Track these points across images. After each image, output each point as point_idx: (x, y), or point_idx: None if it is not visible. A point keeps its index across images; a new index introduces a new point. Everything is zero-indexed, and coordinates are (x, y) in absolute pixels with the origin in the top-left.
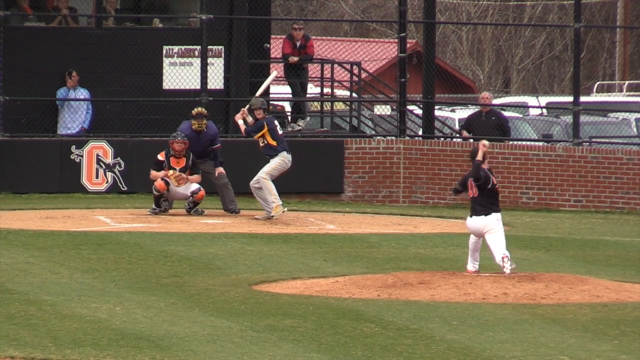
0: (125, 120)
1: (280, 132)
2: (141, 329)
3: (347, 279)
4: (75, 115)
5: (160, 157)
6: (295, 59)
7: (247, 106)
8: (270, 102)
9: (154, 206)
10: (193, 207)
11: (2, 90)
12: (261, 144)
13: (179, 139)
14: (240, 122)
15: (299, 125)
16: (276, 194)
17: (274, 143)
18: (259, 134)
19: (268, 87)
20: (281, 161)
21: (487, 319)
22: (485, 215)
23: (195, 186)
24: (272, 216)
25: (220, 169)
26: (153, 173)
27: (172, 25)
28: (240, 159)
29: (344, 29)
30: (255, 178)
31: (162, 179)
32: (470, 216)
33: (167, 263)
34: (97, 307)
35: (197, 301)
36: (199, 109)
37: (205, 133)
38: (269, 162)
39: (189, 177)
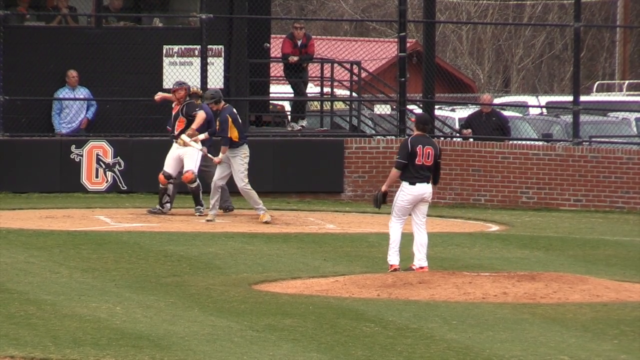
0: (125, 119)
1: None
2: (141, 329)
3: (347, 278)
4: (76, 113)
5: (161, 97)
6: (295, 58)
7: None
8: (271, 101)
9: (157, 206)
10: (194, 199)
11: (2, 89)
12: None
13: (177, 86)
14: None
15: (299, 125)
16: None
17: (236, 136)
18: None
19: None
20: (244, 157)
21: (487, 319)
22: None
23: (186, 166)
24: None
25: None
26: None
27: (172, 25)
28: None
29: (343, 29)
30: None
31: (162, 173)
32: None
33: (167, 262)
34: (96, 306)
35: (197, 301)
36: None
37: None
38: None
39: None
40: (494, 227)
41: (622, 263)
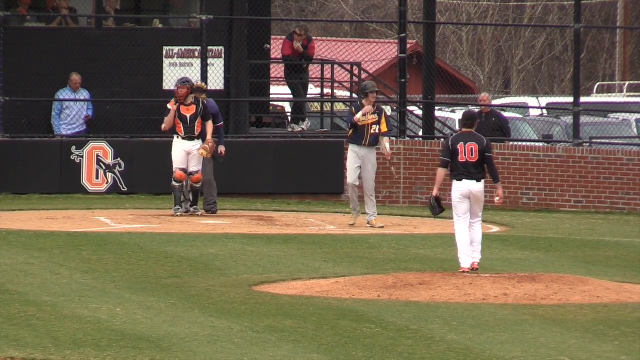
0: (125, 121)
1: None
2: (141, 330)
3: (347, 279)
4: (77, 115)
5: (170, 105)
6: (298, 44)
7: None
8: (271, 102)
9: (176, 206)
10: (191, 192)
11: (2, 91)
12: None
13: (180, 84)
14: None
15: (300, 128)
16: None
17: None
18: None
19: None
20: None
21: (488, 320)
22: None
23: (194, 167)
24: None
25: (222, 147)
26: (167, 119)
27: (172, 26)
28: (240, 159)
29: (344, 30)
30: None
31: (180, 169)
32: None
33: (168, 264)
34: (97, 307)
35: (198, 302)
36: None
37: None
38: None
39: (208, 138)
40: (495, 229)
41: (622, 264)
